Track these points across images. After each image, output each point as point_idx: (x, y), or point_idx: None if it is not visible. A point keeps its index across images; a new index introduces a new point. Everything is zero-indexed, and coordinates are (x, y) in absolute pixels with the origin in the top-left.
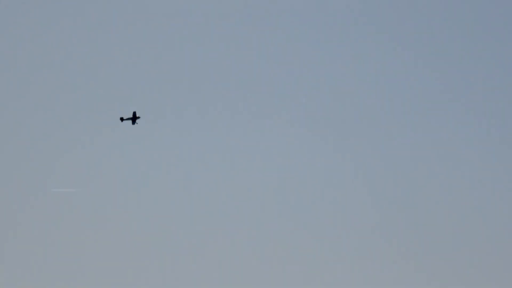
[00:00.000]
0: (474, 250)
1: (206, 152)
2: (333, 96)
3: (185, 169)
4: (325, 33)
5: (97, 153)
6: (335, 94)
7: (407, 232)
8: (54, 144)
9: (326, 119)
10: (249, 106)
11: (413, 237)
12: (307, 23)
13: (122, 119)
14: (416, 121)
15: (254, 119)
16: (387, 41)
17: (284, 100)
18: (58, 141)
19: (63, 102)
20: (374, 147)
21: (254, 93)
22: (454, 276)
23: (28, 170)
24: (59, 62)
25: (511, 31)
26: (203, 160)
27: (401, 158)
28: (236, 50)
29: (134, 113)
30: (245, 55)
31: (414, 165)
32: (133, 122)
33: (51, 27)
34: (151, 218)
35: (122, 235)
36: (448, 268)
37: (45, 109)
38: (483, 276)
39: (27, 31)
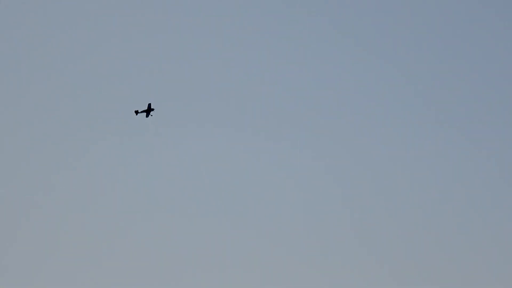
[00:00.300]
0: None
1: (201, 158)
2: (329, 102)
3: (182, 175)
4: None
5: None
6: (332, 99)
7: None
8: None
9: (324, 127)
10: (249, 114)
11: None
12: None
13: (137, 112)
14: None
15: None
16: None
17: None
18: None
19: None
20: (364, 153)
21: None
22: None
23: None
24: (62, 65)
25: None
26: (199, 166)
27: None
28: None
29: (149, 105)
30: (245, 59)
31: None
32: (147, 115)
33: (55, 28)
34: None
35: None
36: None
37: (45, 111)
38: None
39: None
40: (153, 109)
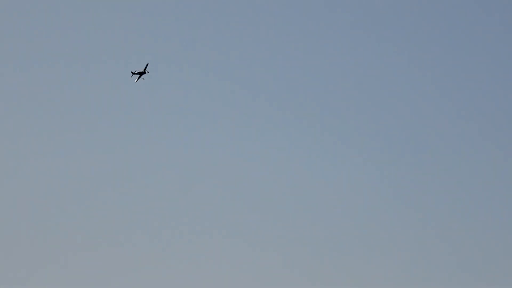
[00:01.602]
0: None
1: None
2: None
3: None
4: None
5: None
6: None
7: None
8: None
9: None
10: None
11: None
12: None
13: (133, 73)
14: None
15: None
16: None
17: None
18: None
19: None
20: (375, 147)
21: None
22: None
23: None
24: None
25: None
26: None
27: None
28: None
29: (146, 66)
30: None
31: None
32: (138, 78)
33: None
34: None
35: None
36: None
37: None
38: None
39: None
40: (147, 72)
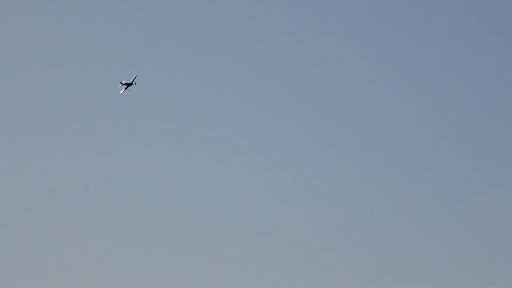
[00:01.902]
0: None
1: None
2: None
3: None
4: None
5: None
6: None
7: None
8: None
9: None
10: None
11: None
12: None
13: (121, 83)
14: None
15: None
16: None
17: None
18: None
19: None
20: (373, 151)
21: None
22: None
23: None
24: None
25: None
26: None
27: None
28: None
29: (135, 77)
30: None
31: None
32: (125, 89)
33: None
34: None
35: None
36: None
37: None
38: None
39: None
40: (134, 84)
